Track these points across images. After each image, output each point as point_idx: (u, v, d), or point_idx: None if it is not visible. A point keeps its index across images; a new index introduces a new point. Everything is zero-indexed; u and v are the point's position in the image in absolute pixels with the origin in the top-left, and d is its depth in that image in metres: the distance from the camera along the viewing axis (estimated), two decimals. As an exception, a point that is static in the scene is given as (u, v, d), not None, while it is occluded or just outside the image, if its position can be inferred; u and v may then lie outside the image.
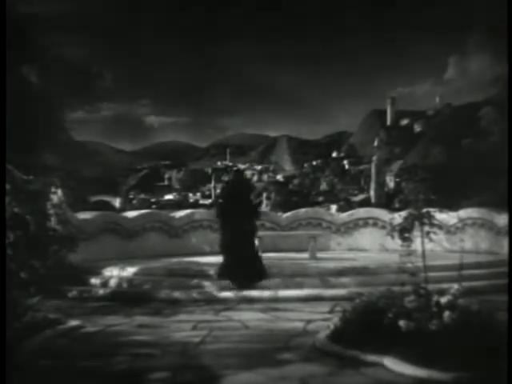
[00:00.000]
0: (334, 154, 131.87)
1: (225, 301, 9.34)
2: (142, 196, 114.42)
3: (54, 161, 13.43)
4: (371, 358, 5.41)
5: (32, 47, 11.45)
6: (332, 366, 5.38)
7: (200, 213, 16.05)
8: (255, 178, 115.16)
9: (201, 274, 10.48)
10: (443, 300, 5.69)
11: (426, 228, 6.86)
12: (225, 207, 10.76)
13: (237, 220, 10.35)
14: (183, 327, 7.44)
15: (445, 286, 6.36)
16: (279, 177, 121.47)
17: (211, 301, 9.38)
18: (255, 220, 10.77)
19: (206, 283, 10.02)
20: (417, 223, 6.84)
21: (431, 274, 7.07)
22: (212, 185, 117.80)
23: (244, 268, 10.05)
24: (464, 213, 14.51)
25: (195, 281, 10.14)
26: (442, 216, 7.56)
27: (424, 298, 5.86)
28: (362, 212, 16.46)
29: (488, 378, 4.75)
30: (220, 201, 11.29)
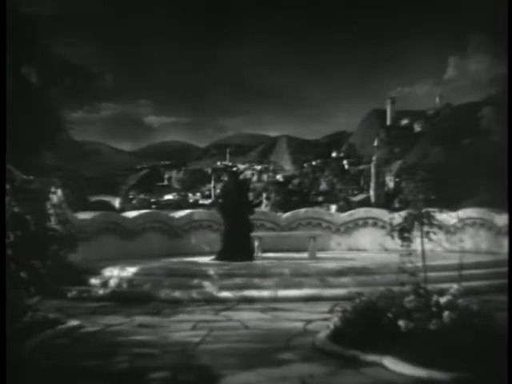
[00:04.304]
0: (334, 154, 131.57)
1: (224, 301, 9.35)
2: (142, 196, 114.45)
3: (54, 161, 13.42)
4: (371, 357, 5.40)
5: (32, 47, 11.46)
6: (332, 365, 5.37)
7: (200, 213, 16.07)
8: (255, 178, 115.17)
9: (201, 273, 10.49)
10: (443, 300, 5.69)
11: (426, 228, 6.85)
12: (223, 204, 13.16)
13: (234, 214, 12.60)
14: (183, 327, 7.44)
15: (445, 286, 6.37)
16: (279, 177, 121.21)
17: (211, 301, 9.38)
18: (249, 214, 12.84)
19: (206, 283, 10.02)
20: (416, 223, 6.83)
21: (431, 274, 7.08)
22: (212, 185, 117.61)
23: (236, 251, 12.21)
24: (464, 213, 14.49)
25: (195, 281, 10.14)
26: (441, 216, 7.54)
27: (424, 297, 5.86)
28: (361, 212, 16.45)
29: (488, 378, 4.75)
30: (220, 199, 13.84)
